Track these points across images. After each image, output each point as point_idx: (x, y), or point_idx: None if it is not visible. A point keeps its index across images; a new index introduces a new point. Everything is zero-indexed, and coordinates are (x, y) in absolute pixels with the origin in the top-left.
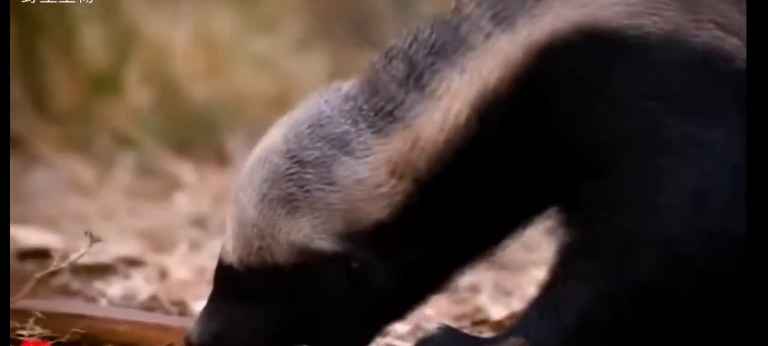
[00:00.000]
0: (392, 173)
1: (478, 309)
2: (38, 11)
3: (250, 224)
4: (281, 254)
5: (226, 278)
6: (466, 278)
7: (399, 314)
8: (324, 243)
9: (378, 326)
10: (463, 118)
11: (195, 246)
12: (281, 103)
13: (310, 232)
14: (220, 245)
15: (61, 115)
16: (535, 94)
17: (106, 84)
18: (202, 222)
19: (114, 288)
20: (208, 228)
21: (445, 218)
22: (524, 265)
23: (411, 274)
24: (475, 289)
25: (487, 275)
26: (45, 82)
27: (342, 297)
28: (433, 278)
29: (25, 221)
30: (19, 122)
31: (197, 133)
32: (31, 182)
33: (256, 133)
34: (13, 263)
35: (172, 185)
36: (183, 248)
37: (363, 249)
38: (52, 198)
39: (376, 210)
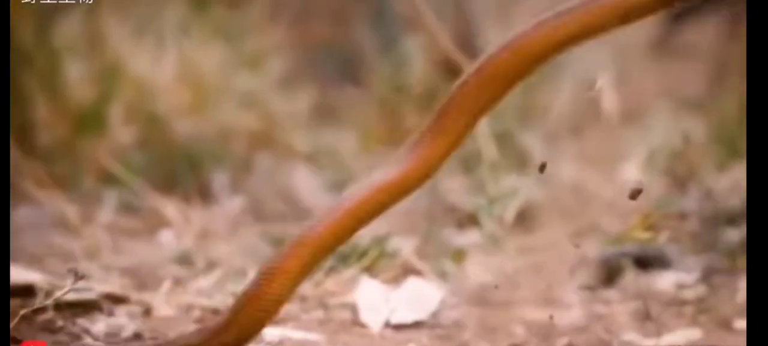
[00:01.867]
0: None
1: None
2: (23, 48)
3: None
4: None
5: None
6: (450, 315)
7: None
8: None
9: None
10: None
11: (179, 283)
12: (266, 140)
13: None
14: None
15: (45, 152)
16: None
17: (90, 121)
18: (186, 259)
19: (98, 325)
20: (192, 265)
21: None
22: (509, 302)
23: None
24: (459, 326)
25: (472, 311)
26: (29, 119)
27: None
28: None
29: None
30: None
31: (182, 170)
32: (15, 219)
33: (241, 170)
34: None
35: (156, 222)
36: (167, 285)
37: None
38: (37, 235)
39: None
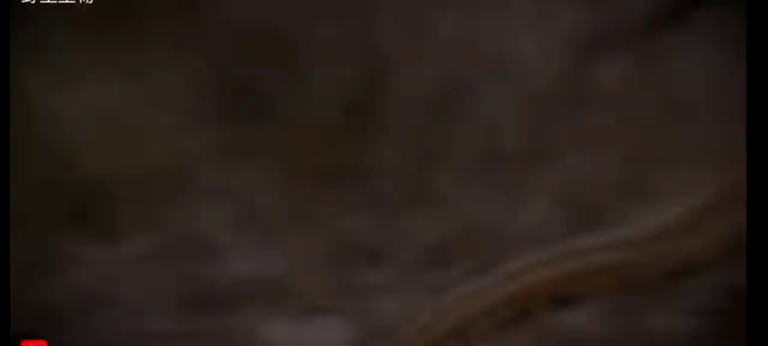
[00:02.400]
0: None
1: None
2: None
3: None
4: None
5: None
6: None
7: None
8: None
9: None
10: None
11: (88, 322)
12: (175, 178)
13: None
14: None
15: None
16: None
17: None
18: (95, 298)
19: None
20: (101, 303)
21: None
22: None
23: None
24: None
25: None
26: None
27: None
28: None
29: None
30: None
31: (90, 209)
32: None
33: (149, 208)
34: None
35: (64, 260)
36: (77, 324)
37: None
38: None
39: None
